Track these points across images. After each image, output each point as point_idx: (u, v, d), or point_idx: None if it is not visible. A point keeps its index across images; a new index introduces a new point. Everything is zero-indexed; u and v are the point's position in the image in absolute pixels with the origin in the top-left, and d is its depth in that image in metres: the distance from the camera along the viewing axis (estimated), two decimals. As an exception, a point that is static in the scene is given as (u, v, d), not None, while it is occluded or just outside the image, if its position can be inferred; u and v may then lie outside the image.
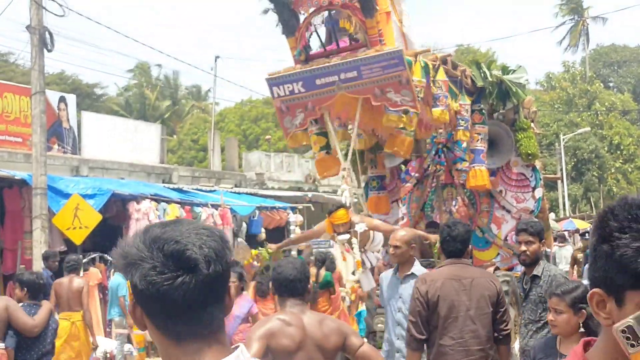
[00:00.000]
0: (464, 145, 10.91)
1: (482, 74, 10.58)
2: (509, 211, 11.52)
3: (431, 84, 9.13)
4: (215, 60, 35.12)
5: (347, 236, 9.47)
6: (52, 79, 50.17)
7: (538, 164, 11.78)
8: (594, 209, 50.27)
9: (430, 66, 9.22)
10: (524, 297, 7.36)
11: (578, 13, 73.65)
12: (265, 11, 8.95)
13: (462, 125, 10.09)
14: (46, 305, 8.60)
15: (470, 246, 6.93)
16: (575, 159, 53.06)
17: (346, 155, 9.66)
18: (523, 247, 7.17)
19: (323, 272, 11.83)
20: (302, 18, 8.80)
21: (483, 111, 10.69)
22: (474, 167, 10.44)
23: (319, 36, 9.01)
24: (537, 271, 7.17)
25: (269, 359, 5.07)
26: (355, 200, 10.59)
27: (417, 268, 7.69)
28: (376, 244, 10.18)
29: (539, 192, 11.53)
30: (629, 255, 1.71)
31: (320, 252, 12.39)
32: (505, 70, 11.12)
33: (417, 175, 11.27)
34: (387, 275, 7.95)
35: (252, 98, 59.73)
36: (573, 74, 62.52)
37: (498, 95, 10.74)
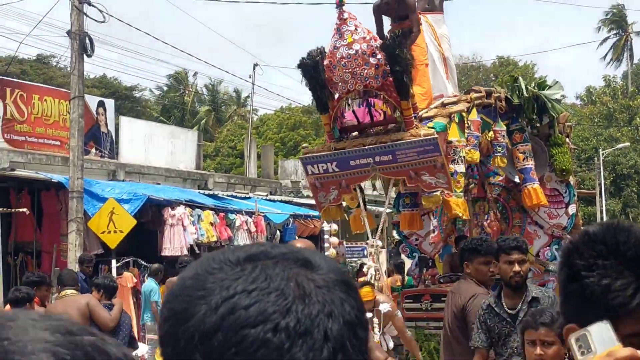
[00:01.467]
0: (500, 171, 10.98)
1: (518, 91, 10.55)
2: (541, 227, 11.47)
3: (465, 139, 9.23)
4: (254, 68, 35.07)
5: (370, 315, 9.41)
6: (92, 82, 50.64)
7: (572, 179, 11.73)
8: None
9: (465, 115, 9.28)
10: (510, 324, 6.28)
11: (622, 27, 73.03)
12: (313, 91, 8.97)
13: (499, 152, 10.13)
14: (118, 303, 9.65)
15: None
16: (614, 174, 52.59)
17: (375, 231, 9.79)
18: (517, 267, 6.31)
19: None
20: (336, 95, 8.84)
21: (523, 129, 10.69)
22: (526, 186, 10.45)
23: (354, 112, 9.03)
24: (534, 292, 6.41)
25: None
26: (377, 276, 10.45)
27: None
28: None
29: (572, 209, 11.46)
30: (598, 293, 1.75)
31: None
32: (541, 85, 11.08)
33: None
34: None
35: (292, 106, 59.83)
36: (614, 88, 62.02)
37: (534, 111, 10.71)
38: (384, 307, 9.21)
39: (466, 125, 9.29)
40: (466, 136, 9.30)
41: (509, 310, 6.30)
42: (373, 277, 9.51)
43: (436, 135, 8.47)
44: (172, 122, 56.50)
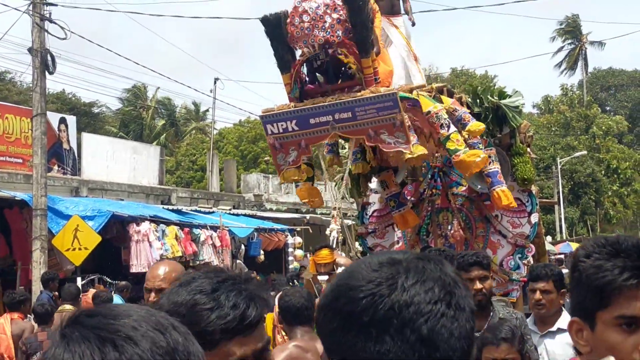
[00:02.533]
0: (463, 181, 11.02)
1: (478, 100, 10.58)
2: (504, 236, 11.51)
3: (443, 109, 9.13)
4: (215, 82, 35.06)
5: (325, 277, 9.44)
6: (50, 98, 50.30)
7: (534, 189, 11.78)
8: (590, 232, 50.38)
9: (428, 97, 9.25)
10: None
11: (576, 37, 73.99)
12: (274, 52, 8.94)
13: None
14: None
15: None
16: (572, 182, 53.22)
17: (339, 193, 9.75)
18: (478, 285, 5.91)
19: None
20: (298, 54, 8.74)
21: (487, 134, 10.67)
22: (495, 189, 10.34)
23: (313, 73, 8.83)
24: (501, 313, 6.07)
25: None
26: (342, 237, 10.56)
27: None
28: None
29: (535, 217, 11.52)
30: (591, 274, 1.90)
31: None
32: (501, 94, 11.14)
33: (412, 199, 11.25)
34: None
35: (250, 119, 59.89)
36: (571, 97, 62.78)
37: (494, 121, 10.72)
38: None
39: (450, 110, 9.11)
40: (457, 117, 9.19)
41: None
42: (335, 241, 9.37)
43: (395, 91, 8.32)
44: (131, 136, 56.28)
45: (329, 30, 8.24)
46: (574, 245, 36.52)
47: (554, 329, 5.91)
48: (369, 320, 1.51)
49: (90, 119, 60.85)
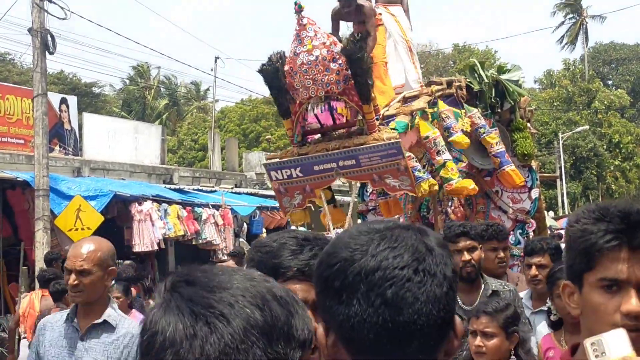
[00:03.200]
0: (463, 157, 11.06)
1: (478, 77, 10.61)
2: (505, 212, 11.54)
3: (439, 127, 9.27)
4: (215, 61, 34.99)
5: None
6: (50, 79, 50.19)
7: (534, 164, 11.82)
8: (593, 206, 50.35)
9: (429, 112, 9.34)
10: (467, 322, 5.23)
11: (577, 12, 73.71)
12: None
13: (482, 133, 10.13)
14: None
15: None
16: (574, 157, 53.19)
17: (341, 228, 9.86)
18: (466, 256, 5.67)
19: None
20: (298, 100, 8.71)
21: (490, 114, 10.74)
22: (504, 169, 10.43)
23: (316, 116, 8.88)
24: (493, 285, 5.84)
25: None
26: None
27: None
28: None
29: (535, 193, 11.56)
30: (578, 237, 1.98)
31: None
32: (500, 70, 11.17)
33: None
34: None
35: (252, 97, 59.79)
36: (573, 72, 62.63)
37: (495, 96, 10.76)
38: None
39: (439, 116, 9.34)
40: (449, 125, 9.35)
41: (464, 307, 5.55)
42: None
43: (399, 139, 8.44)
44: (133, 116, 56.25)
45: (328, 83, 8.24)
46: (577, 221, 36.55)
47: (545, 307, 5.58)
48: (339, 284, 1.57)
49: (91, 100, 60.76)
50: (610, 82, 74.95)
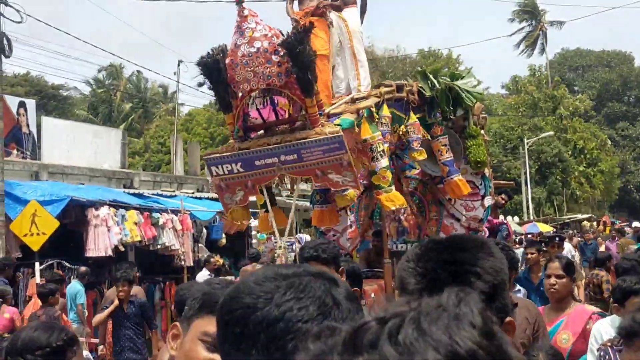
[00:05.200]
0: (416, 164, 10.98)
1: (430, 83, 10.44)
2: (458, 219, 11.53)
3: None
4: (179, 65, 34.86)
5: None
6: (15, 81, 49.81)
7: (487, 171, 11.75)
8: (557, 212, 50.78)
9: (374, 112, 9.17)
10: None
11: (535, 18, 74.34)
12: (200, 84, 8.87)
13: (414, 146, 9.81)
14: None
15: None
16: (539, 163, 53.62)
17: (282, 233, 9.73)
18: None
19: None
20: (240, 94, 8.56)
21: (442, 121, 10.58)
22: (452, 178, 10.35)
23: (258, 109, 8.72)
24: None
25: None
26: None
27: None
28: None
29: (488, 201, 11.53)
30: None
31: None
32: (453, 76, 11.02)
33: (365, 182, 11.16)
34: None
35: (219, 101, 59.61)
36: (539, 78, 63.11)
37: (447, 102, 10.58)
38: None
39: (377, 120, 9.13)
40: (382, 134, 9.22)
41: None
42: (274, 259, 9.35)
43: (341, 133, 8.28)
44: (100, 119, 56.01)
45: (270, 75, 8.11)
46: (541, 226, 36.81)
47: None
48: (240, 332, 1.54)
49: (58, 102, 60.42)
50: (576, 88, 75.62)
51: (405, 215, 11.42)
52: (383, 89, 9.55)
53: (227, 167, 8.73)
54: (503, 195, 14.78)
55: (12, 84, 45.16)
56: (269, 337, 1.49)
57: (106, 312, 12.03)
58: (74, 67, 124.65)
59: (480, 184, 11.49)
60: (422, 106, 10.31)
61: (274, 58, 8.04)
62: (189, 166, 33.09)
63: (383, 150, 8.87)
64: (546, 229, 35.17)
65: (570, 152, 55.55)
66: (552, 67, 71.99)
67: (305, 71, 8.06)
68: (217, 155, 8.86)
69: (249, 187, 8.80)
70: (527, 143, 49.64)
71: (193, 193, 25.09)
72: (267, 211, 9.55)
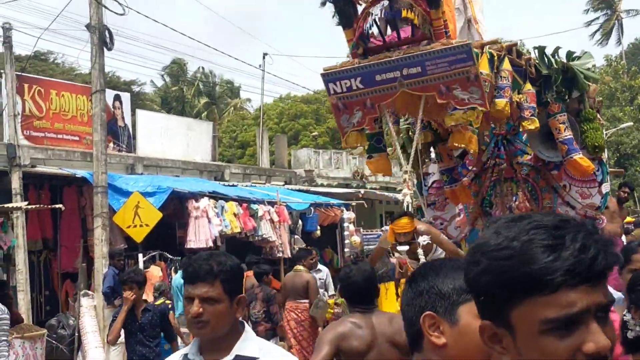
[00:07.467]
0: (528, 150, 10.60)
1: (547, 61, 10.02)
2: (573, 207, 11.14)
3: (494, 76, 8.58)
4: (264, 57, 34.85)
5: (406, 247, 9.11)
6: (89, 78, 50.02)
7: (604, 157, 11.38)
8: (637, 203, 49.92)
9: (496, 56, 8.71)
10: None
11: (610, 7, 73.19)
12: (323, 3, 8.43)
13: (526, 116, 8.96)
14: None
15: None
16: (618, 154, 52.76)
17: (408, 158, 9.11)
18: None
19: None
20: (360, 8, 8.06)
21: (560, 98, 10.12)
22: (572, 157, 9.74)
23: (378, 27, 8.17)
24: None
25: None
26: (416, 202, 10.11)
27: None
28: (438, 254, 9.67)
29: (605, 187, 11.12)
30: None
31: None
32: (569, 56, 10.57)
33: (475, 169, 10.75)
34: None
35: (291, 94, 59.77)
36: (615, 68, 62.07)
37: (563, 83, 10.17)
38: (423, 239, 9.00)
39: (503, 76, 8.41)
40: (502, 86, 8.42)
41: None
42: (410, 206, 8.94)
43: (470, 42, 7.77)
44: (172, 114, 56.58)
45: None
46: (622, 218, 36.10)
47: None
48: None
49: (132, 98, 61.12)
50: (654, 78, 74.28)
51: (517, 203, 11.18)
52: (505, 44, 9.11)
53: (345, 84, 8.24)
54: (624, 189, 14.38)
55: (85, 80, 45.60)
56: None
57: (117, 323, 9.97)
58: (148, 59, 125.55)
59: (598, 170, 11.05)
60: (537, 80, 9.89)
61: None
62: (276, 159, 33.26)
63: (486, 92, 8.34)
64: (625, 220, 34.50)
65: (650, 143, 54.62)
66: (626, 58, 70.80)
67: None
68: (336, 70, 8.33)
69: (367, 106, 8.27)
70: (606, 134, 48.89)
71: (283, 185, 25.22)
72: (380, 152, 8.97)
